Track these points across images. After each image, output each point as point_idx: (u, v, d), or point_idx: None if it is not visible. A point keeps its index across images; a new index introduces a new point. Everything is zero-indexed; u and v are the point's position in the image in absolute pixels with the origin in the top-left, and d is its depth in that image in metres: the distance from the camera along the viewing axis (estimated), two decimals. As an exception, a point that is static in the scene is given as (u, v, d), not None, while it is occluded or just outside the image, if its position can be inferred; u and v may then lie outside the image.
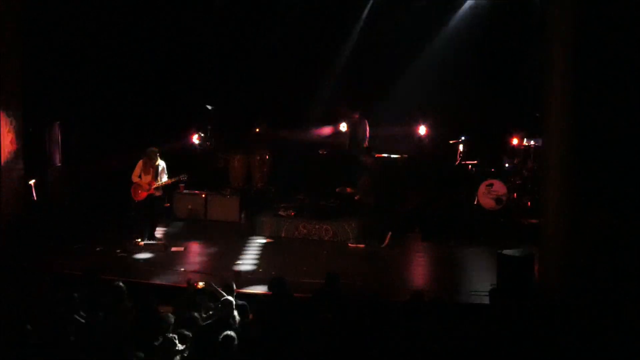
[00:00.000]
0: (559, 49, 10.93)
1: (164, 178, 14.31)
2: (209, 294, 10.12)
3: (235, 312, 9.27)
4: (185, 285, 10.61)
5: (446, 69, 17.56)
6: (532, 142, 15.61)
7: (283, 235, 15.29)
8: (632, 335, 9.05)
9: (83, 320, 9.11)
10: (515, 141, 16.05)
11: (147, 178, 14.21)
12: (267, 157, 16.81)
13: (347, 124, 16.99)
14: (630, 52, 10.57)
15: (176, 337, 8.57)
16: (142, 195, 14.25)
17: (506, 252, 11.95)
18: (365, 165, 14.94)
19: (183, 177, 14.77)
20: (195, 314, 9.30)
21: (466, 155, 16.11)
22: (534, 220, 14.34)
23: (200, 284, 10.35)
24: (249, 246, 14.78)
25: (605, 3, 10.58)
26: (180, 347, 8.52)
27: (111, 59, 17.99)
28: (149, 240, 14.30)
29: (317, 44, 18.15)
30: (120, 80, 18.20)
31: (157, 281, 12.38)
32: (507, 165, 16.02)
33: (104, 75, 17.96)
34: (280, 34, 18.26)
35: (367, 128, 16.71)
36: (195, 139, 16.96)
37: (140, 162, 14.32)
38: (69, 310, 9.14)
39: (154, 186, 14.18)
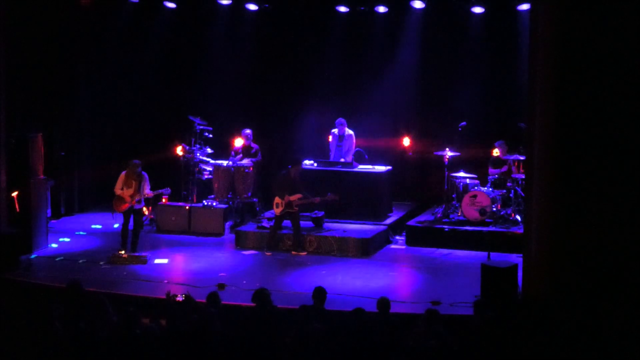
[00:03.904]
0: (543, 60, 10.97)
1: (147, 190, 14.26)
2: (189, 305, 10.05)
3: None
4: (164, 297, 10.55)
5: (429, 79, 17.65)
6: (511, 158, 15.64)
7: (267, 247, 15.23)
8: (617, 345, 9.06)
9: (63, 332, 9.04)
10: (496, 152, 16.09)
11: (129, 191, 14.16)
12: (251, 168, 16.75)
13: (332, 135, 16.96)
14: (616, 63, 10.60)
15: None
16: (123, 207, 14.20)
17: (490, 263, 11.98)
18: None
19: (166, 191, 14.77)
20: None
21: (452, 165, 16.09)
22: (518, 231, 14.38)
23: (180, 297, 10.26)
24: (232, 258, 14.73)
25: (590, 16, 10.62)
26: None
27: (95, 70, 17.96)
28: (132, 252, 14.23)
29: (299, 53, 18.21)
30: (103, 91, 18.19)
31: (140, 293, 12.32)
32: (490, 176, 16.04)
33: (87, 87, 17.94)
34: (267, 46, 18.31)
35: (354, 140, 16.71)
36: (179, 150, 16.90)
37: (122, 175, 14.27)
38: (48, 322, 9.07)
39: (136, 199, 14.13)
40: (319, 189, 15.37)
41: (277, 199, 15.01)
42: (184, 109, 17.41)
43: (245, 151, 16.94)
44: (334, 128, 16.83)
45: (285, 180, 15.09)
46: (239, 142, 17.10)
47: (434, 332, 9.15)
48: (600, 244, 10.56)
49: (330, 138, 16.99)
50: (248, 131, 16.98)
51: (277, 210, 14.99)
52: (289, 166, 15.46)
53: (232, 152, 16.99)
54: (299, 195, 14.91)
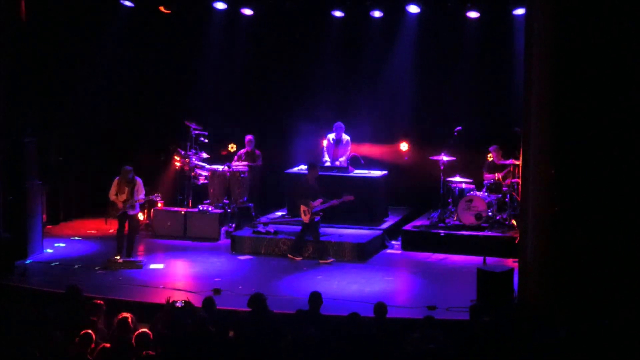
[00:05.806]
0: (538, 64, 10.98)
1: (141, 195, 14.26)
2: (188, 311, 10.05)
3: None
4: (163, 302, 10.53)
5: (425, 84, 17.65)
6: (506, 163, 15.68)
7: (263, 251, 15.20)
8: (613, 350, 9.05)
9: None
10: (491, 157, 16.10)
11: (122, 196, 14.16)
12: (247, 172, 16.73)
13: (327, 140, 16.92)
14: (611, 66, 10.62)
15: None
16: (116, 212, 14.19)
17: (486, 268, 11.97)
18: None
19: (155, 197, 14.82)
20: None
21: (448, 170, 16.07)
22: (514, 235, 14.38)
23: (179, 303, 10.26)
24: (228, 263, 14.71)
25: (585, 21, 10.64)
26: None
27: (91, 75, 17.93)
28: (127, 258, 14.21)
29: (295, 58, 18.21)
30: (100, 96, 18.16)
31: (136, 299, 12.30)
32: (485, 181, 16.05)
33: (83, 92, 17.89)
34: (263, 51, 18.31)
35: (350, 147, 16.66)
36: (174, 155, 16.88)
37: (115, 181, 14.27)
38: (42, 328, 9.06)
39: (128, 204, 14.12)
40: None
41: (303, 207, 14.89)
42: (180, 114, 17.41)
43: (249, 157, 16.95)
44: (331, 132, 16.81)
45: (306, 187, 15.07)
46: (233, 148, 17.11)
47: (430, 337, 9.15)
48: (596, 248, 10.57)
49: (325, 143, 16.93)
50: (250, 137, 17.01)
51: (305, 218, 14.88)
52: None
53: (236, 157, 17.01)
54: (320, 200, 14.91)
